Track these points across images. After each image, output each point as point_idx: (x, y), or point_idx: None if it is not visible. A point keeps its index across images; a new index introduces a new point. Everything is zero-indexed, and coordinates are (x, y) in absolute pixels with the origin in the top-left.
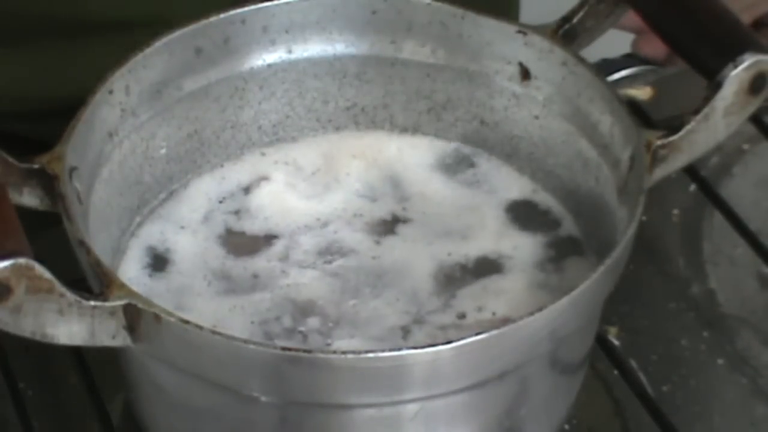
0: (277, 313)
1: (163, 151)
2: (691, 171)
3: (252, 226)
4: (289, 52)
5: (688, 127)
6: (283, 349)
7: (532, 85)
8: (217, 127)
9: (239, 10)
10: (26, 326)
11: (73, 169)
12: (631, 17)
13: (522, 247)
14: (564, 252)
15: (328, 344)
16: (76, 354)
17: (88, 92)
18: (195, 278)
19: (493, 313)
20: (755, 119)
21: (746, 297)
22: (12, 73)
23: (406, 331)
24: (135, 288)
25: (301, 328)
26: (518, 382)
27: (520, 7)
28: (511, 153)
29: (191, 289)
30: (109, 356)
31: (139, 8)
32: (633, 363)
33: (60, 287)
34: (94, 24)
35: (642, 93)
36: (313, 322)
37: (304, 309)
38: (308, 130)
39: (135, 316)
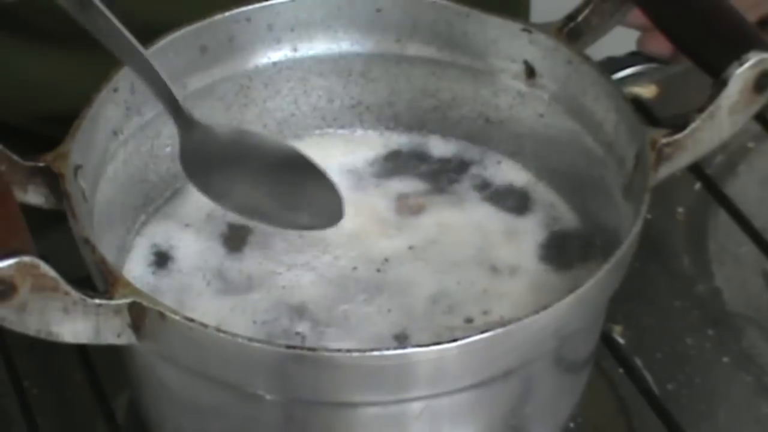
0: (275, 314)
1: (168, 149)
2: (696, 169)
3: (255, 226)
4: (294, 50)
5: (693, 126)
6: (288, 347)
7: (537, 84)
8: None
9: (244, 9)
10: (31, 324)
11: (78, 168)
12: (637, 15)
13: (527, 247)
14: (569, 250)
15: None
16: (81, 352)
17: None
18: (198, 277)
19: (501, 317)
20: (760, 117)
21: (751, 295)
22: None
23: (403, 337)
24: (140, 286)
25: (299, 330)
26: (523, 380)
27: (531, 6)
28: (516, 151)
29: (195, 287)
30: (114, 354)
31: (144, 7)
32: (638, 361)
33: (65, 285)
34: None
35: (647, 91)
36: (309, 324)
37: (300, 311)
38: (313, 128)
39: (140, 315)
